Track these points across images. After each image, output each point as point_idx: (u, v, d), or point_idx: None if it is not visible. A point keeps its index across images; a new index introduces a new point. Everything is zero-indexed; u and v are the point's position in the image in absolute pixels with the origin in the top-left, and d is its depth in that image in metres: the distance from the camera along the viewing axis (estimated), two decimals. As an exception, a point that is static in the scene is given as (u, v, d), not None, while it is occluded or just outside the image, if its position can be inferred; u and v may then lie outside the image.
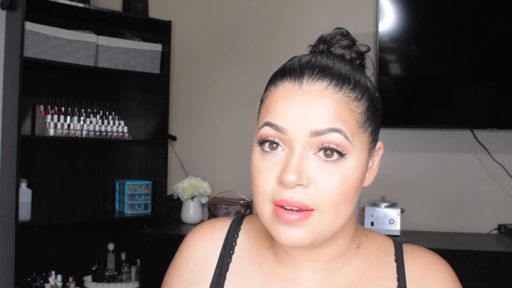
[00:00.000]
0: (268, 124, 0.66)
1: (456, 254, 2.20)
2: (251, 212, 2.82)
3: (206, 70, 3.06)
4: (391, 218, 2.45)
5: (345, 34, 0.74)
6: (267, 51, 2.93)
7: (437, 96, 2.65)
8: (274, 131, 0.65)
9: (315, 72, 0.66)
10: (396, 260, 0.75)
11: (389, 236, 0.81)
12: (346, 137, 0.65)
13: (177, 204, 2.89)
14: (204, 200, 2.79)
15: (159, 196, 3.01)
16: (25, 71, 2.51)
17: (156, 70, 2.95)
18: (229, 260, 0.77)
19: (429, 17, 2.64)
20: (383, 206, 2.48)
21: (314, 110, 0.64)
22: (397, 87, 2.68)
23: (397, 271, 0.74)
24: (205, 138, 3.06)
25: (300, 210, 0.64)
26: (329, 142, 0.64)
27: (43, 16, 2.72)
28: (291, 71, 0.68)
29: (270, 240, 0.77)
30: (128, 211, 2.91)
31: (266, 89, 0.70)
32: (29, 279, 2.61)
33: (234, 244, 0.78)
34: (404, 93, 2.69)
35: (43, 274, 2.69)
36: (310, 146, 0.65)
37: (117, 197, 3.04)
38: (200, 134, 3.07)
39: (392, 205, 2.51)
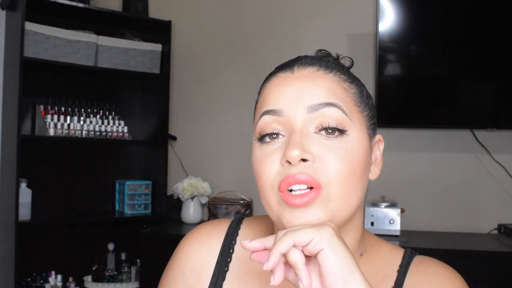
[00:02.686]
0: (265, 112, 0.66)
1: (456, 254, 2.20)
2: (251, 212, 2.81)
3: (206, 70, 3.06)
4: (391, 218, 2.45)
5: (327, 55, 0.76)
6: (267, 51, 2.93)
7: (437, 96, 2.65)
8: (272, 117, 0.65)
9: (304, 61, 0.69)
10: (398, 271, 0.72)
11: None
12: (344, 112, 0.65)
13: (177, 204, 2.89)
14: (204, 200, 2.79)
15: (159, 196, 3.01)
16: (25, 71, 2.51)
17: (156, 70, 2.95)
18: (226, 269, 0.74)
19: (429, 17, 2.64)
20: (383, 206, 2.48)
21: (308, 88, 0.65)
22: (397, 87, 2.68)
23: (396, 281, 0.71)
24: (205, 138, 3.06)
25: (309, 188, 0.62)
26: (328, 118, 0.64)
27: (43, 16, 2.72)
28: (282, 65, 0.71)
29: None
30: (128, 211, 2.91)
31: (260, 90, 0.72)
32: (29, 279, 2.61)
33: (231, 251, 0.76)
34: (404, 93, 2.69)
35: (43, 274, 2.69)
36: (310, 123, 0.64)
37: (117, 197, 3.04)
38: (200, 134, 3.07)
39: (392, 205, 2.51)
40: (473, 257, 2.20)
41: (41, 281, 2.66)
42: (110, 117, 2.89)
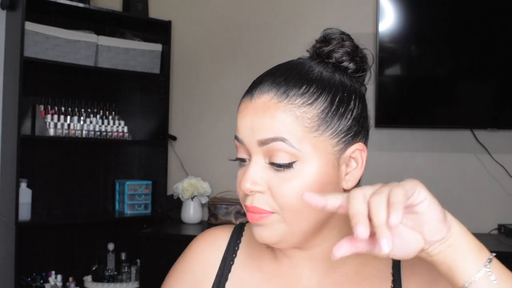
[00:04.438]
0: (235, 137, 0.73)
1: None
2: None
3: (206, 70, 3.06)
4: (391, 218, 2.45)
5: (348, 38, 0.78)
6: (267, 51, 2.93)
7: (437, 96, 2.65)
8: (239, 143, 0.72)
9: (264, 85, 0.70)
10: (393, 259, 0.76)
11: None
12: (291, 145, 0.67)
13: (177, 204, 2.88)
14: (204, 200, 2.79)
15: (159, 196, 3.01)
16: (25, 71, 2.51)
17: (156, 70, 2.95)
18: (231, 263, 0.80)
19: (429, 17, 2.64)
20: (383, 206, 2.48)
21: (259, 122, 0.68)
22: (397, 87, 2.68)
23: (393, 268, 0.75)
24: (205, 138, 3.06)
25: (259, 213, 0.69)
26: (276, 152, 0.67)
27: (43, 16, 2.72)
28: (249, 87, 0.74)
29: None
30: (128, 211, 2.91)
31: None
32: (29, 279, 2.61)
33: (236, 248, 0.81)
34: (404, 93, 2.69)
35: (43, 274, 2.69)
36: (263, 155, 0.69)
37: (117, 197, 3.04)
38: (200, 134, 3.07)
39: (392, 205, 2.51)
40: (473, 257, 2.20)
41: (41, 281, 2.65)
42: (110, 117, 2.89)
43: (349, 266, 0.76)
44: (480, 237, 2.67)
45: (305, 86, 0.69)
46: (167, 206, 2.98)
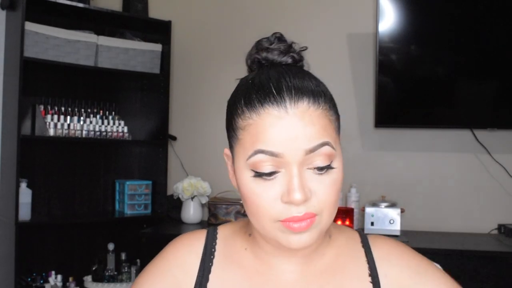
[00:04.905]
0: (261, 151, 0.69)
1: (456, 254, 2.20)
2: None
3: (206, 70, 3.06)
4: (391, 218, 2.45)
5: (281, 38, 0.79)
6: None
7: (437, 96, 2.65)
8: (268, 157, 0.69)
9: (293, 94, 0.70)
10: (363, 246, 0.82)
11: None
12: (332, 147, 0.71)
13: (177, 204, 2.88)
14: (204, 200, 2.79)
15: (159, 196, 3.01)
16: (25, 71, 2.51)
17: (156, 70, 2.95)
18: (210, 264, 0.81)
19: (429, 17, 2.64)
20: (383, 206, 2.48)
21: (304, 130, 0.69)
22: (397, 87, 2.68)
23: (366, 255, 0.81)
24: (205, 138, 3.06)
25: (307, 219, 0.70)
26: (321, 157, 0.70)
27: (43, 16, 2.72)
28: (269, 96, 0.70)
29: (246, 241, 0.82)
30: (128, 211, 2.91)
31: (242, 114, 0.72)
32: (29, 279, 2.61)
33: (213, 249, 0.83)
34: (404, 93, 2.69)
35: (43, 274, 2.69)
36: (305, 163, 0.70)
37: (117, 197, 3.04)
38: (200, 134, 3.07)
39: (392, 205, 2.51)
40: (473, 257, 2.20)
41: (41, 281, 2.65)
42: (110, 117, 2.89)
43: (326, 256, 0.80)
44: (480, 237, 2.66)
45: (323, 93, 0.74)
46: (167, 206, 2.98)
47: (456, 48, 2.63)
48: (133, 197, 2.93)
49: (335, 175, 0.72)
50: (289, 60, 0.77)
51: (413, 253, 0.83)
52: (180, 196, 2.75)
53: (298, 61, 0.79)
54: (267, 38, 0.80)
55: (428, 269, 0.81)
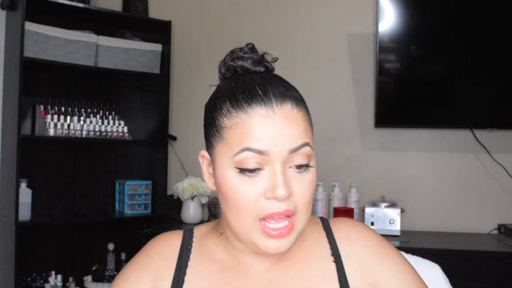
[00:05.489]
0: (248, 149, 0.74)
1: (456, 254, 2.20)
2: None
3: (206, 70, 3.06)
4: (391, 218, 2.45)
5: (253, 48, 0.84)
6: (266, 51, 2.93)
7: (437, 96, 2.65)
8: (255, 154, 0.73)
9: (279, 96, 0.76)
10: (324, 229, 0.88)
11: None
12: (311, 147, 0.77)
13: (177, 204, 2.88)
14: (204, 200, 2.79)
15: (159, 196, 3.01)
16: (25, 71, 2.51)
17: (156, 70, 2.95)
18: (187, 259, 0.86)
19: (429, 17, 2.64)
20: (383, 206, 2.48)
21: (289, 130, 0.74)
22: (397, 87, 2.68)
23: (327, 237, 0.86)
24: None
25: (286, 217, 0.75)
26: (302, 156, 0.75)
27: (43, 16, 2.72)
28: (256, 96, 0.75)
29: (218, 239, 0.87)
30: (128, 211, 2.91)
31: (228, 114, 0.76)
32: (29, 279, 2.61)
33: (190, 247, 0.88)
34: (404, 93, 2.69)
35: (43, 274, 2.69)
36: (288, 162, 0.75)
37: (117, 197, 3.04)
38: (200, 134, 3.04)
39: (392, 205, 2.51)
40: (473, 257, 2.20)
41: (41, 281, 2.65)
42: (110, 117, 2.89)
43: (294, 245, 0.82)
44: (480, 237, 2.66)
45: (301, 98, 0.80)
46: (167, 206, 2.98)
47: (455, 48, 2.63)
48: (133, 197, 2.93)
49: (312, 175, 0.78)
50: (262, 69, 0.83)
51: (372, 233, 0.87)
52: (180, 196, 2.75)
53: (270, 71, 0.84)
54: (241, 48, 0.84)
55: (387, 251, 0.85)
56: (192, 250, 0.88)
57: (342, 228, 0.87)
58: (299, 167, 0.76)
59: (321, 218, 0.91)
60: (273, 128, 0.74)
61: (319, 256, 0.84)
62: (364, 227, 0.88)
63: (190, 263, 0.86)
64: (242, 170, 0.74)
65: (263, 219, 0.75)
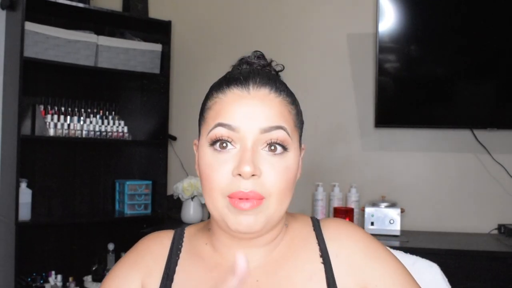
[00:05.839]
0: (220, 124, 0.77)
1: (456, 254, 2.20)
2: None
3: (206, 70, 3.06)
4: (391, 218, 2.45)
5: (261, 57, 0.87)
6: (266, 51, 2.92)
7: (437, 96, 2.65)
8: (227, 130, 0.76)
9: (258, 80, 0.79)
10: (314, 230, 0.87)
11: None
12: (288, 134, 0.77)
13: (177, 204, 2.88)
14: (204, 200, 2.78)
15: (159, 196, 3.01)
16: (25, 71, 2.51)
17: (156, 70, 2.95)
18: (177, 258, 0.87)
19: (429, 17, 2.64)
20: (383, 206, 2.48)
21: (262, 111, 0.76)
22: (397, 87, 2.68)
23: (317, 237, 0.85)
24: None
25: (252, 199, 0.75)
26: (276, 139, 0.76)
27: (43, 16, 2.72)
28: (236, 80, 0.80)
29: (207, 237, 0.88)
30: (128, 211, 2.91)
31: (211, 96, 0.82)
32: (29, 279, 2.61)
33: (180, 246, 0.89)
34: (404, 93, 2.69)
35: (43, 274, 2.69)
36: (260, 142, 0.76)
37: (117, 197, 3.04)
38: (200, 134, 3.07)
39: (392, 205, 2.51)
40: (473, 257, 2.20)
41: (41, 281, 2.65)
42: (110, 117, 2.89)
43: (282, 244, 0.85)
44: (480, 237, 2.66)
45: (287, 89, 0.82)
46: (167, 206, 2.98)
47: (455, 48, 2.63)
48: (133, 197, 2.93)
49: (288, 161, 0.77)
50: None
51: (363, 234, 0.86)
52: (180, 196, 2.75)
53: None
54: (249, 55, 0.88)
55: (378, 251, 0.84)
56: (182, 249, 0.88)
57: (332, 229, 0.86)
58: (271, 146, 0.76)
59: (312, 218, 0.90)
60: (246, 106, 0.76)
61: (308, 257, 0.83)
62: (354, 227, 0.87)
63: (179, 262, 0.86)
64: (214, 143, 0.76)
65: (229, 197, 0.75)
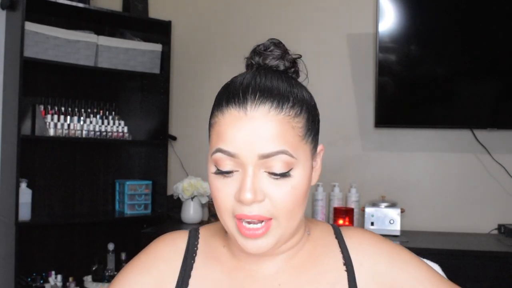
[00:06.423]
0: (219, 150, 0.74)
1: (456, 254, 2.20)
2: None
3: (206, 70, 3.06)
4: (391, 218, 2.45)
5: (277, 44, 0.82)
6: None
7: (437, 96, 2.64)
8: (226, 156, 0.73)
9: (257, 97, 0.73)
10: (336, 237, 0.85)
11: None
12: (291, 155, 0.72)
13: (177, 204, 2.88)
14: (204, 200, 2.79)
15: (159, 196, 3.01)
16: (25, 71, 2.51)
17: (156, 70, 2.95)
18: (192, 261, 0.84)
19: (429, 17, 2.64)
20: (383, 206, 2.48)
21: (260, 135, 0.71)
22: (397, 87, 2.68)
23: (340, 245, 0.84)
24: (205, 138, 3.05)
25: (260, 221, 0.73)
26: (276, 164, 0.72)
27: (43, 16, 2.72)
28: (234, 96, 0.74)
29: (224, 239, 0.86)
30: (128, 211, 2.91)
31: (213, 113, 0.78)
32: (29, 279, 2.61)
33: (195, 249, 0.86)
34: (404, 93, 2.69)
35: (43, 274, 2.69)
36: (260, 166, 0.72)
37: (117, 197, 3.04)
38: (200, 134, 3.07)
39: (392, 205, 2.51)
40: (473, 257, 2.20)
41: (41, 281, 2.65)
42: (110, 117, 2.89)
43: (303, 251, 0.83)
44: (480, 237, 2.65)
45: (292, 98, 0.74)
46: (167, 206, 2.98)
47: (456, 48, 2.63)
48: (133, 197, 2.93)
49: (294, 181, 0.73)
50: (281, 66, 0.80)
51: (384, 241, 0.85)
52: (180, 196, 2.75)
53: (289, 68, 0.82)
54: (263, 43, 0.82)
55: (402, 255, 0.83)
56: (198, 252, 0.86)
57: (355, 238, 0.85)
58: (274, 174, 0.72)
59: (333, 226, 0.89)
60: (243, 131, 0.72)
61: (331, 264, 0.82)
62: (375, 235, 0.86)
63: (195, 265, 0.84)
64: (219, 171, 0.75)
65: (237, 218, 0.74)
